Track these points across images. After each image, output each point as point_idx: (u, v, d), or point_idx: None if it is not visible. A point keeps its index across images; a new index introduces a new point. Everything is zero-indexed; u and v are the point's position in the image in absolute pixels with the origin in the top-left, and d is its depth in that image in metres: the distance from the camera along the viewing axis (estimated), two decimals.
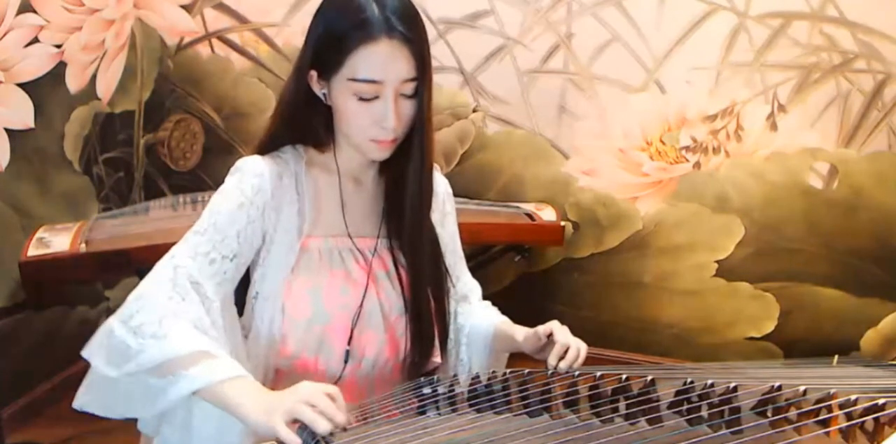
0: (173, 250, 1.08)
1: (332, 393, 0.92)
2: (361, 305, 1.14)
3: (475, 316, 1.30)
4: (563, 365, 1.08)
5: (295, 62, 1.12)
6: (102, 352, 1.02)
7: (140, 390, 1.00)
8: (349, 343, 1.14)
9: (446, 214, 1.28)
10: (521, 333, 1.18)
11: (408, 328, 1.18)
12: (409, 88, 1.06)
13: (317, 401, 0.90)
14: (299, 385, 0.94)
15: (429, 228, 1.20)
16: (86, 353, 1.04)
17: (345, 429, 0.90)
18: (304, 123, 1.14)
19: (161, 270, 1.05)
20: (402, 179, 1.15)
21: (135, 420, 1.18)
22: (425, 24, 1.08)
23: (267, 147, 1.16)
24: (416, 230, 1.17)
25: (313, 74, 1.09)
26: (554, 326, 1.15)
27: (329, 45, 1.05)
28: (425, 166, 1.14)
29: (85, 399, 1.05)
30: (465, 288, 1.33)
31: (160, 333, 0.97)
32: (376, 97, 1.05)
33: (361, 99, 1.05)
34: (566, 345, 1.11)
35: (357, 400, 1.14)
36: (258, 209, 1.10)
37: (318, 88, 1.10)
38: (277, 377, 1.15)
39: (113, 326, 1.01)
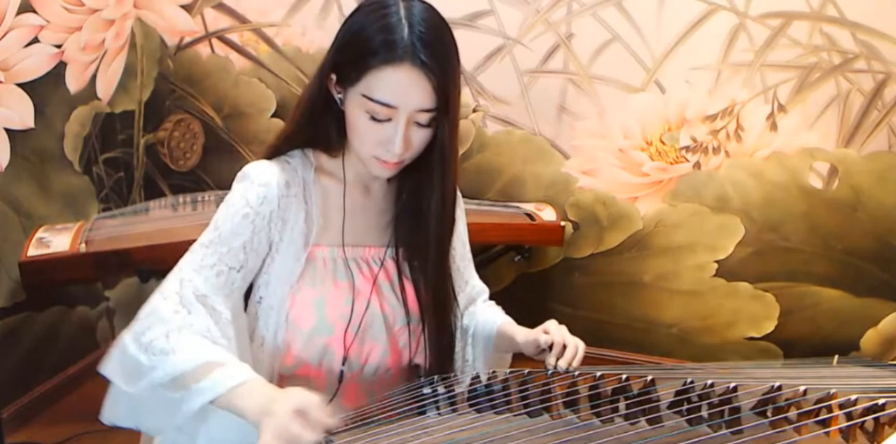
0: (181, 262, 1.07)
1: (307, 410, 0.89)
2: (364, 315, 1.13)
3: (479, 316, 1.30)
4: (561, 364, 1.08)
5: (322, 60, 1.09)
6: (119, 369, 1.02)
7: (160, 403, 1.00)
8: (347, 352, 1.13)
9: (457, 220, 1.27)
10: (521, 335, 1.18)
11: (419, 340, 1.17)
12: (425, 117, 1.02)
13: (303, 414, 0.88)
14: (283, 406, 0.89)
15: (447, 257, 1.19)
16: (104, 370, 1.04)
17: (329, 432, 0.89)
18: (318, 124, 1.12)
19: (169, 284, 1.05)
20: (421, 209, 1.14)
21: None
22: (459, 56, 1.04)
23: (279, 149, 1.14)
24: (436, 262, 1.16)
25: (333, 77, 1.07)
26: (551, 326, 1.15)
27: (351, 55, 1.03)
28: (447, 198, 1.13)
29: (112, 414, 1.05)
30: (473, 291, 1.33)
31: (168, 348, 0.97)
32: (388, 119, 1.02)
33: (373, 118, 1.02)
34: (564, 344, 1.11)
35: (357, 406, 1.14)
36: (264, 219, 1.09)
37: (335, 92, 1.08)
38: (281, 381, 1.15)
39: (126, 342, 1.02)
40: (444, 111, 1.02)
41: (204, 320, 1.01)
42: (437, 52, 1.00)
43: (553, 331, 1.13)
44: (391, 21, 1.00)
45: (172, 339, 0.98)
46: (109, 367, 1.03)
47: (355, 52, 1.02)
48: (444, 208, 1.13)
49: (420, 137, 1.05)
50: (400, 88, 1.00)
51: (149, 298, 1.05)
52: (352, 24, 1.05)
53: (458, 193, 1.28)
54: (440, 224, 1.14)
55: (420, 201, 1.13)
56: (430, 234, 1.14)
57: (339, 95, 1.07)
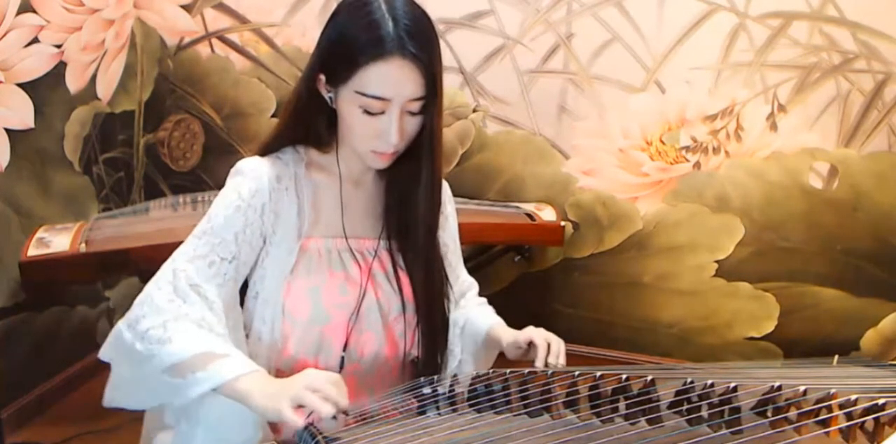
0: (175, 253, 1.10)
1: (336, 380, 0.95)
2: (359, 305, 1.15)
3: (471, 313, 1.32)
4: (551, 360, 1.12)
5: (308, 61, 1.12)
6: (116, 355, 1.07)
7: (160, 384, 1.02)
8: (346, 343, 1.15)
9: (447, 216, 1.29)
10: (505, 338, 1.21)
11: (414, 331, 1.19)
12: (416, 106, 1.06)
13: (320, 387, 0.92)
14: (305, 372, 0.97)
15: (436, 242, 1.21)
16: (103, 355, 1.09)
17: (346, 413, 0.93)
18: (308, 123, 1.14)
19: (162, 274, 1.08)
20: (410, 195, 1.16)
21: (134, 421, 1.20)
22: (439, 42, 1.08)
23: (270, 147, 1.17)
24: (426, 246, 1.18)
25: (321, 77, 1.09)
26: (528, 328, 1.19)
27: (340, 55, 1.05)
28: (435, 183, 1.16)
29: (113, 395, 1.09)
30: (463, 285, 1.36)
31: (165, 337, 1.00)
32: (382, 112, 1.05)
33: (367, 112, 1.05)
34: (548, 343, 1.14)
35: (356, 400, 1.14)
36: (256, 212, 1.11)
37: (324, 92, 1.10)
38: (279, 376, 1.16)
39: (122, 329, 1.05)
40: (433, 96, 1.06)
41: (199, 309, 1.04)
42: (422, 41, 1.03)
43: (530, 329, 1.17)
44: (375, 17, 1.03)
45: (170, 328, 1.01)
46: (107, 352, 1.08)
47: (344, 51, 1.04)
48: (433, 191, 1.16)
49: (413, 125, 1.08)
50: (392, 80, 1.03)
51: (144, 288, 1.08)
52: (336, 24, 1.07)
53: (449, 191, 1.30)
54: (429, 207, 1.17)
55: (409, 185, 1.16)
56: (419, 217, 1.17)
57: (330, 94, 1.10)
